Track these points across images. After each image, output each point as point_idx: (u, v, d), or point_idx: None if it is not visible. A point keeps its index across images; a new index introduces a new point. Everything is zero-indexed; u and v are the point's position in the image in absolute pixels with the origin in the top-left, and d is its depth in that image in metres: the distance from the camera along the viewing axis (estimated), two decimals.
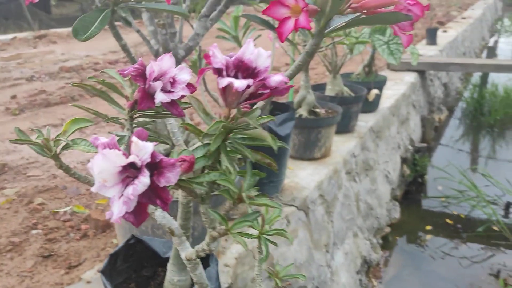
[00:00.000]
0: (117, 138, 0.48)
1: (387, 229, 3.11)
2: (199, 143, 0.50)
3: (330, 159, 2.45)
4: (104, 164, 0.39)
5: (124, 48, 0.82)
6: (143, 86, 0.50)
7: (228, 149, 0.48)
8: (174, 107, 0.52)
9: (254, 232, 0.64)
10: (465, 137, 5.07)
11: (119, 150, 0.39)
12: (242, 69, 0.43)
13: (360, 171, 2.78)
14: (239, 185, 0.50)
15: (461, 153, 4.59)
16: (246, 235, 0.55)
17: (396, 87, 3.88)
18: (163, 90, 0.50)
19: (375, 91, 3.10)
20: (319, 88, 2.93)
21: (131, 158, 0.39)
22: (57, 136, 0.54)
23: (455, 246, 3.04)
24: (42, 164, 2.56)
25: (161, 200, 0.41)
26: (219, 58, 0.41)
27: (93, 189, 0.40)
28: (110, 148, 0.39)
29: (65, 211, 2.03)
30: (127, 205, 0.40)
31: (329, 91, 2.80)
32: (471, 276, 2.72)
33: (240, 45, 1.86)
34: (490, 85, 5.81)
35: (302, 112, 2.40)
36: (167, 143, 0.59)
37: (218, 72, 0.42)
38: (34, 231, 1.88)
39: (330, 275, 2.18)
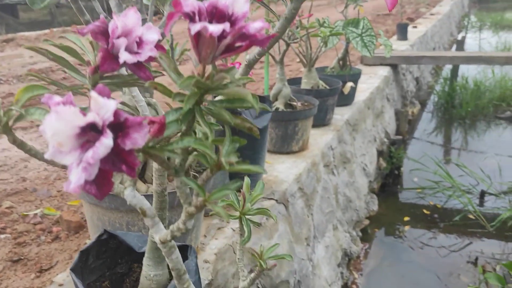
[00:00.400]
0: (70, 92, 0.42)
1: (366, 222, 3.11)
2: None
3: (308, 152, 2.42)
4: (58, 125, 0.33)
5: (88, 24, 0.77)
6: (105, 45, 0.45)
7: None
8: (141, 70, 0.47)
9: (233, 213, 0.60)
10: (437, 129, 5.14)
11: (76, 107, 0.34)
12: (217, 16, 0.38)
13: (338, 164, 2.77)
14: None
15: (435, 146, 4.65)
16: (229, 216, 0.50)
17: (370, 81, 3.90)
18: (129, 51, 0.45)
19: (350, 84, 3.10)
20: (294, 82, 2.90)
21: (90, 117, 0.33)
22: (10, 106, 0.49)
23: (433, 236, 3.06)
24: (11, 167, 2.46)
25: (126, 165, 0.35)
26: (190, 1, 0.37)
27: (47, 155, 0.34)
28: (66, 105, 0.34)
29: (35, 214, 1.94)
30: (86, 172, 0.34)
31: (305, 85, 2.78)
32: (450, 265, 2.74)
33: None
34: (460, 78, 5.92)
35: (279, 105, 2.36)
36: (133, 115, 0.54)
37: (190, 17, 0.37)
38: (2, 235, 1.79)
39: (311, 269, 2.15)
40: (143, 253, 1.09)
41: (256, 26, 0.37)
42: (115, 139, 0.34)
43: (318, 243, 2.31)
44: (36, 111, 0.48)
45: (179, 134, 0.46)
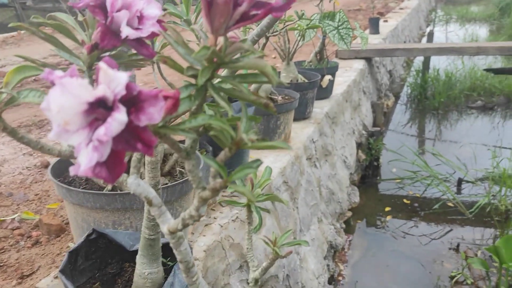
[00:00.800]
0: (74, 64, 0.39)
1: (349, 213, 3.13)
2: None
3: (291, 145, 2.41)
4: (64, 100, 0.29)
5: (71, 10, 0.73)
6: (104, 20, 0.42)
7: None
8: (143, 47, 0.44)
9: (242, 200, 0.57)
10: (412, 121, 5.23)
11: (84, 79, 0.30)
12: None
13: (320, 157, 2.77)
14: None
15: (410, 137, 4.72)
16: (236, 203, 0.48)
17: (347, 74, 3.92)
18: (129, 26, 0.42)
19: (328, 77, 3.10)
20: None
21: (101, 90, 0.29)
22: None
23: (414, 224, 3.10)
24: None
25: (143, 143, 0.32)
26: None
27: (51, 135, 0.30)
28: (72, 78, 0.30)
29: (13, 219, 1.86)
30: (98, 152, 0.30)
31: (284, 78, 2.77)
32: (433, 252, 2.78)
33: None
34: (432, 70, 6.03)
35: None
36: None
37: None
38: None
39: (299, 262, 2.14)
40: (134, 252, 1.05)
41: None
42: (128, 116, 0.31)
43: (304, 236, 2.30)
44: (30, 93, 0.44)
45: (188, 114, 0.43)
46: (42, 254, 1.63)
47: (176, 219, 0.50)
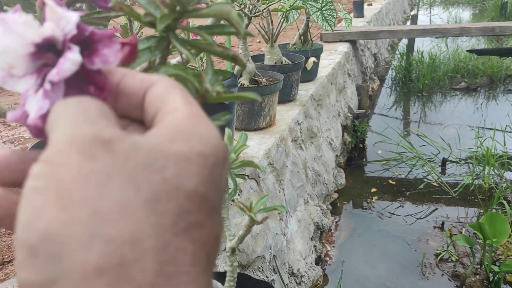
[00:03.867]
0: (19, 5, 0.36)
1: (335, 195, 3.14)
2: None
3: (276, 127, 2.40)
4: (7, 40, 0.26)
5: None
6: None
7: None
8: None
9: None
10: (397, 103, 5.25)
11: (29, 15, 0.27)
12: None
13: (305, 139, 2.76)
14: None
15: (395, 119, 4.74)
16: None
17: (331, 57, 3.91)
18: None
19: (312, 59, 3.09)
20: (257, 59, 2.86)
21: (48, 29, 0.26)
22: None
23: (400, 205, 3.12)
24: None
25: (96, 86, 0.29)
26: None
27: None
28: (15, 14, 0.26)
29: None
30: (50, 98, 0.26)
31: (268, 61, 2.74)
32: (418, 231, 2.81)
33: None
34: (416, 52, 6.05)
35: (244, 81, 2.32)
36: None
37: None
38: None
39: (286, 243, 2.14)
40: None
41: None
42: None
43: (290, 217, 2.30)
44: None
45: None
46: None
47: None
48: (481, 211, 2.95)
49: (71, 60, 0.27)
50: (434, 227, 2.84)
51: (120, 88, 0.27)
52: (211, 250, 0.21)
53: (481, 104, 4.99)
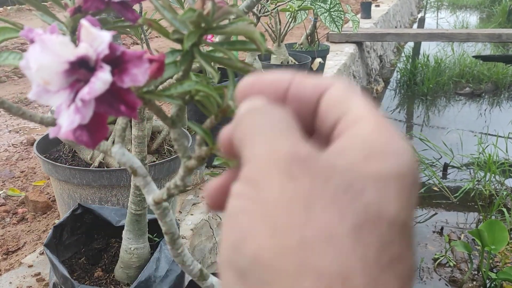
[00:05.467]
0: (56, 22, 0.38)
1: None
2: None
3: None
4: (44, 57, 0.28)
5: None
6: None
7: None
8: (128, 11, 0.43)
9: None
10: (400, 106, 5.25)
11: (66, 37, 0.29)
12: None
13: None
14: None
15: (398, 122, 4.75)
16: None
17: (337, 58, 3.91)
18: None
19: (318, 60, 3.10)
20: (264, 58, 2.87)
21: (82, 49, 0.28)
22: None
23: None
24: None
25: (126, 105, 0.31)
26: None
27: (30, 95, 0.29)
28: (52, 34, 0.28)
29: None
30: (80, 114, 0.28)
31: (274, 60, 2.75)
32: (417, 235, 2.82)
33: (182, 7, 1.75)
34: (422, 56, 6.05)
35: None
36: None
37: None
38: None
39: None
40: (120, 227, 1.05)
41: None
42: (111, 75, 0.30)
43: None
44: (9, 56, 0.43)
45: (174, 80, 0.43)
46: (28, 231, 1.63)
47: (161, 189, 0.49)
48: (481, 217, 2.96)
49: (102, 79, 0.28)
50: (433, 232, 2.85)
51: (290, 94, 0.25)
52: (411, 285, 0.19)
53: (485, 110, 4.99)
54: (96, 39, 0.29)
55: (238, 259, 0.19)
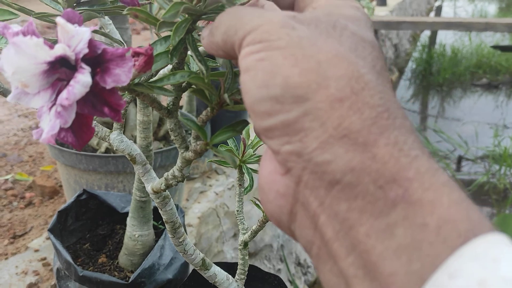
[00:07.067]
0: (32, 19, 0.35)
1: None
2: None
3: None
4: (19, 60, 0.26)
5: None
6: None
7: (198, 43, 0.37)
8: None
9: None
10: (415, 96, 5.17)
11: (40, 38, 0.26)
12: None
13: None
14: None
15: (412, 113, 4.67)
16: (227, 164, 0.45)
17: None
18: None
19: None
20: None
21: (59, 49, 0.26)
22: None
23: None
24: None
25: (109, 107, 0.28)
26: None
27: (9, 98, 0.27)
28: (26, 36, 0.26)
29: (6, 180, 1.84)
30: (62, 118, 0.27)
31: None
32: None
33: None
34: (438, 45, 5.93)
35: None
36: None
37: None
38: None
39: None
40: (125, 214, 1.03)
41: None
42: (93, 76, 0.27)
43: None
44: (1, 40, 0.40)
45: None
46: (35, 215, 1.62)
47: (159, 179, 0.47)
48: (494, 211, 2.91)
49: (82, 82, 0.26)
50: None
51: None
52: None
53: (502, 102, 4.89)
54: (73, 37, 0.26)
55: (269, 91, 0.25)
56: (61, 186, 1.75)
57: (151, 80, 0.38)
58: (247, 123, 0.42)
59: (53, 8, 0.47)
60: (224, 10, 0.35)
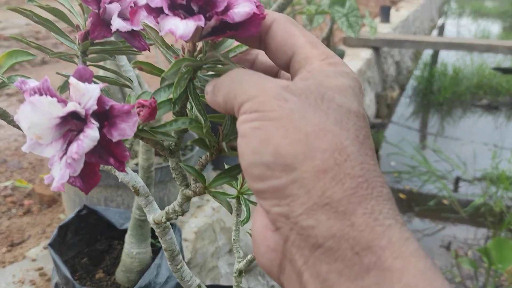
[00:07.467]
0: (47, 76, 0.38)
1: None
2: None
3: None
4: (35, 116, 0.29)
5: None
6: (96, 10, 0.40)
7: (198, 91, 0.39)
8: (135, 39, 0.42)
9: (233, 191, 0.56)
10: (415, 114, 5.20)
11: (55, 96, 0.29)
12: None
13: None
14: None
15: (412, 130, 4.70)
16: (225, 195, 0.47)
17: (353, 63, 3.88)
18: (122, 17, 0.41)
19: None
20: None
21: (71, 106, 0.29)
22: None
23: (408, 219, 3.11)
24: None
25: (115, 159, 0.31)
26: None
27: (24, 148, 0.30)
28: (42, 94, 0.29)
29: (6, 186, 1.86)
30: (71, 168, 0.30)
31: None
32: (424, 248, 2.78)
33: None
34: (439, 64, 5.97)
35: None
36: (129, 87, 0.49)
37: (158, 11, 0.32)
38: None
39: None
40: (124, 230, 1.05)
41: (241, 10, 0.32)
42: (101, 128, 0.30)
43: None
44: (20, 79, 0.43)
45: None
46: (33, 224, 1.64)
47: (161, 211, 0.49)
48: (490, 233, 2.92)
49: (90, 137, 0.28)
50: (441, 246, 2.82)
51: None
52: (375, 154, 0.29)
53: (501, 123, 4.92)
54: (84, 95, 0.29)
55: (262, 157, 0.27)
56: (60, 195, 1.77)
57: (154, 125, 0.40)
58: (240, 169, 0.44)
59: (68, 46, 0.50)
60: (222, 65, 0.38)
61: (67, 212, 1.57)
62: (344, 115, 0.28)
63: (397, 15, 6.81)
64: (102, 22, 0.42)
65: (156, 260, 0.99)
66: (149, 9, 0.32)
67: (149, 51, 0.45)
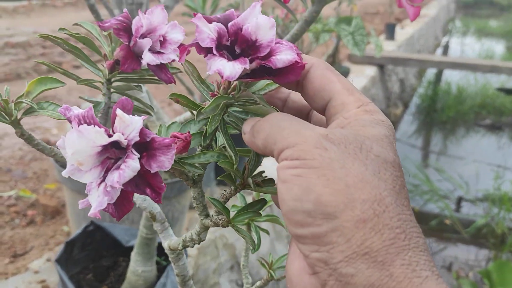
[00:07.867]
0: (91, 105, 0.39)
1: None
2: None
3: None
4: (80, 144, 0.30)
5: (92, 9, 0.72)
6: (127, 43, 0.41)
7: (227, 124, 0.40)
8: (162, 71, 0.43)
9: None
10: (418, 132, 5.20)
11: (99, 125, 0.30)
12: (240, 40, 0.34)
13: None
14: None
15: (415, 148, 4.70)
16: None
17: (357, 80, 3.90)
18: (151, 50, 0.42)
19: None
20: None
21: (116, 137, 0.30)
22: (18, 97, 0.44)
23: None
24: None
25: (151, 189, 0.32)
26: (206, 31, 0.33)
27: (64, 173, 0.31)
28: (88, 124, 0.30)
29: (10, 196, 1.86)
30: (109, 195, 0.31)
31: None
32: None
33: None
34: (443, 82, 6.00)
35: None
36: (150, 114, 0.50)
37: (206, 50, 0.33)
38: None
39: None
40: (130, 247, 1.05)
41: (283, 58, 0.33)
42: (139, 159, 0.31)
43: None
44: (49, 106, 0.44)
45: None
46: (36, 235, 1.64)
47: (177, 238, 0.50)
48: (491, 255, 2.91)
49: (131, 167, 0.29)
50: (442, 267, 2.80)
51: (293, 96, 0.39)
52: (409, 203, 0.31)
53: (504, 143, 4.92)
54: (128, 126, 0.30)
55: (303, 205, 0.29)
56: (64, 205, 1.77)
57: (182, 156, 0.41)
58: (265, 202, 0.45)
59: (95, 74, 0.51)
60: (255, 104, 0.39)
61: (71, 225, 1.57)
62: (381, 166, 0.30)
63: (402, 32, 6.85)
64: (132, 55, 0.43)
65: (162, 279, 0.99)
66: (199, 48, 0.34)
67: (175, 83, 0.46)
